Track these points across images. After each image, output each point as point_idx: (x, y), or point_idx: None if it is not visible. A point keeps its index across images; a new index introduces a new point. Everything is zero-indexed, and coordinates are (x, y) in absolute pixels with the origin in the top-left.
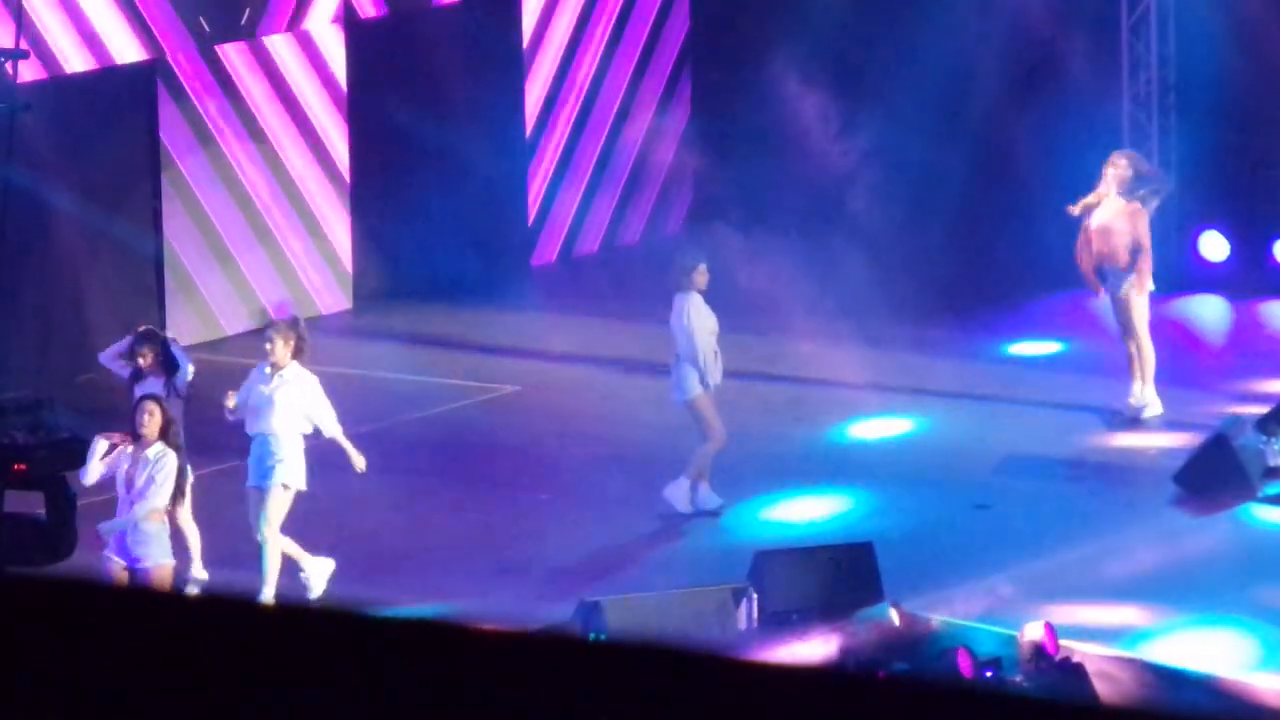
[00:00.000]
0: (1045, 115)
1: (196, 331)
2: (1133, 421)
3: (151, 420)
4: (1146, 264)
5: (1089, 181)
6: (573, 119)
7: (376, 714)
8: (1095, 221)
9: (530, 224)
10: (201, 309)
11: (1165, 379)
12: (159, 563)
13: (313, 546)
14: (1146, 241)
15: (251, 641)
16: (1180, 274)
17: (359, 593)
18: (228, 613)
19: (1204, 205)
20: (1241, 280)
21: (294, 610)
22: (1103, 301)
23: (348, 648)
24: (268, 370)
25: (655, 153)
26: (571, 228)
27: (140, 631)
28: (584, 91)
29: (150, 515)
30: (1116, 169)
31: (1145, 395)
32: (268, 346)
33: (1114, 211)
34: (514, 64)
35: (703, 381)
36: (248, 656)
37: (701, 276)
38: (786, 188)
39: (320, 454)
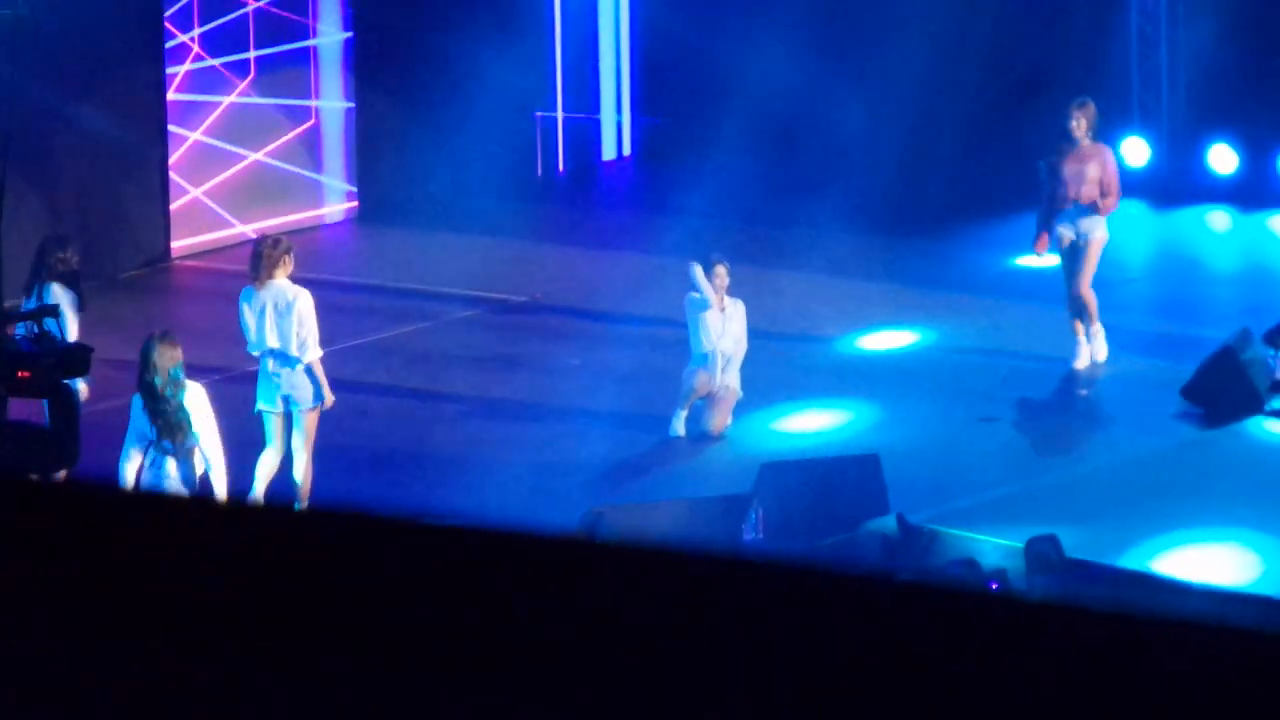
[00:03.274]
0: (1053, 28)
1: (199, 240)
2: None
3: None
4: (1114, 206)
5: (1096, 98)
6: None
7: (385, 617)
8: (1069, 168)
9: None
10: (205, 216)
11: (1175, 293)
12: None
13: (322, 456)
14: (1118, 183)
15: (252, 542)
16: (1189, 187)
17: (366, 500)
18: (229, 514)
19: (1212, 118)
20: (1250, 193)
21: (302, 514)
22: (1064, 243)
23: (361, 551)
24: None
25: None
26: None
27: (155, 536)
28: None
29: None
30: (1086, 112)
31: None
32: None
33: (1089, 154)
34: None
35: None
36: (256, 559)
37: (717, 279)
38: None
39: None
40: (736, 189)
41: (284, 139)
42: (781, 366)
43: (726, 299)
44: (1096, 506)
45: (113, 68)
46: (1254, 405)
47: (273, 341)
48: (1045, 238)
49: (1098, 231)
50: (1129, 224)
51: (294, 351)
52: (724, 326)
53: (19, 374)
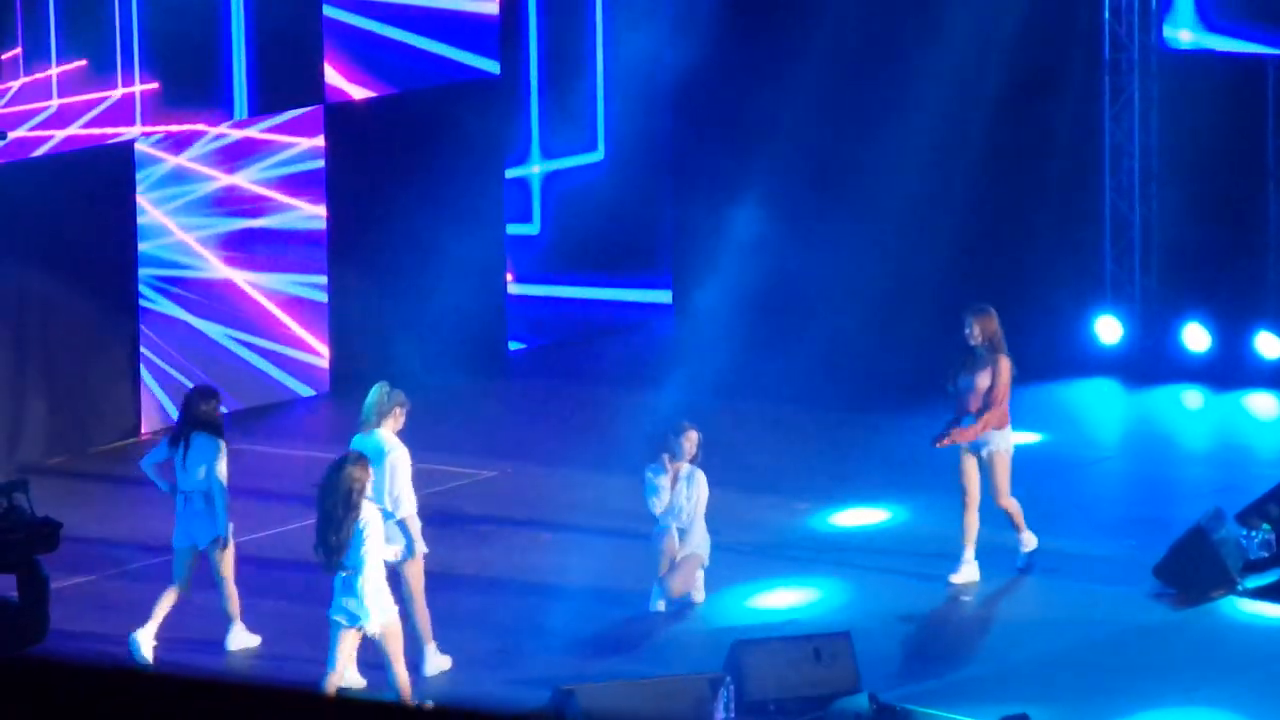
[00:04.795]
0: (1025, 206)
1: (169, 416)
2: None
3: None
4: (997, 417)
5: (1069, 275)
6: None
7: None
8: (964, 378)
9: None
10: (176, 391)
11: (1147, 471)
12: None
13: (289, 632)
14: (1006, 397)
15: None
16: (1162, 365)
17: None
18: (192, 689)
19: (1185, 296)
20: (1223, 371)
21: (266, 691)
22: (963, 455)
23: None
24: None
25: None
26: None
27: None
28: None
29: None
30: (982, 321)
31: (1028, 540)
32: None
33: (983, 363)
34: (495, 149)
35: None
36: None
37: (687, 443)
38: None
39: (292, 539)
40: (707, 362)
41: (256, 313)
42: (753, 542)
43: (685, 466)
44: (1069, 686)
45: (85, 243)
46: (1226, 585)
47: None
48: (943, 438)
49: (995, 443)
50: (1102, 402)
51: (386, 505)
52: (676, 496)
53: None
